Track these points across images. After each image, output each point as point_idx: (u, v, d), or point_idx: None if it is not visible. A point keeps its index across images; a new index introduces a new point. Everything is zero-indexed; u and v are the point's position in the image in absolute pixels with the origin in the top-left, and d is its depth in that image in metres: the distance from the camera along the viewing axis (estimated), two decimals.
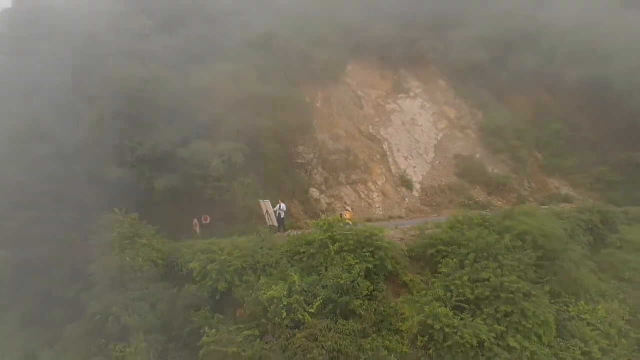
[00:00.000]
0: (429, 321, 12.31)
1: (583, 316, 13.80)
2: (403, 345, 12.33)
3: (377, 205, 22.09)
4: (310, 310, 12.66)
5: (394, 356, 12.01)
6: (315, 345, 11.74)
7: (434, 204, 22.83)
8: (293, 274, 13.47)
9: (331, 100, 25.51)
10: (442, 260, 14.22)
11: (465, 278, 13.29)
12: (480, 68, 27.40)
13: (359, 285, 13.01)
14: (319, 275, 13.59)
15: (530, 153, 26.03)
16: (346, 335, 12.12)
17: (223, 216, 18.64)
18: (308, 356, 11.58)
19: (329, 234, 14.17)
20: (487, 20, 28.91)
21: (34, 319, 15.18)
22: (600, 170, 24.51)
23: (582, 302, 14.16)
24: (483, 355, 12.17)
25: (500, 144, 25.67)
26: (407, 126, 26.06)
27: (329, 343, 11.77)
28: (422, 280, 14.19)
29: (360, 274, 13.21)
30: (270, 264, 14.43)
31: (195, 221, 18.32)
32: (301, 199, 21.22)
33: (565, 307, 13.97)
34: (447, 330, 12.12)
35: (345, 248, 13.77)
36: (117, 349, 13.20)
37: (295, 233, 16.70)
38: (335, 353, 11.70)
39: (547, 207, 20.88)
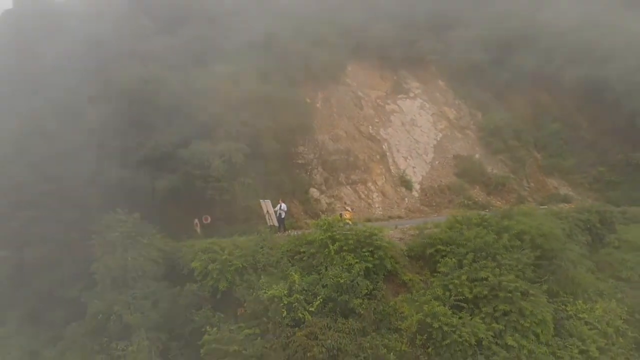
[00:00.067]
0: (428, 320, 12.43)
1: (581, 315, 13.91)
2: (402, 343, 12.44)
3: (376, 205, 22.21)
4: (310, 309, 12.78)
5: (393, 354, 12.11)
6: (315, 343, 11.85)
7: (434, 204, 22.95)
8: (293, 273, 13.59)
9: (331, 101, 25.63)
10: (440, 259, 14.34)
11: (464, 277, 13.40)
12: (480, 68, 27.51)
13: (358, 284, 13.12)
14: (319, 274, 13.71)
15: (529, 153, 26.14)
16: (346, 333, 12.22)
17: (223, 216, 18.76)
18: (308, 354, 11.69)
19: (329, 233, 14.29)
20: (487, 20, 29.02)
21: (36, 318, 15.29)
22: (599, 171, 24.64)
23: (579, 301, 14.27)
24: (481, 354, 12.30)
25: (499, 144, 25.78)
26: (407, 126, 26.17)
27: (329, 341, 11.87)
28: (421, 280, 14.31)
29: (360, 273, 13.33)
30: (271, 264, 14.55)
31: (196, 221, 18.44)
32: (301, 199, 21.34)
33: (563, 306, 14.08)
34: (445, 328, 12.23)
35: (344, 247, 13.89)
36: (119, 347, 13.32)
37: (296, 233, 16.83)
38: (335, 351, 11.80)
39: (545, 207, 21.00)
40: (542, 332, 12.89)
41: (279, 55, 24.36)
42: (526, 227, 14.66)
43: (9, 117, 20.72)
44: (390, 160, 24.32)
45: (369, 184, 22.89)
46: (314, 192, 21.86)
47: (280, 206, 17.77)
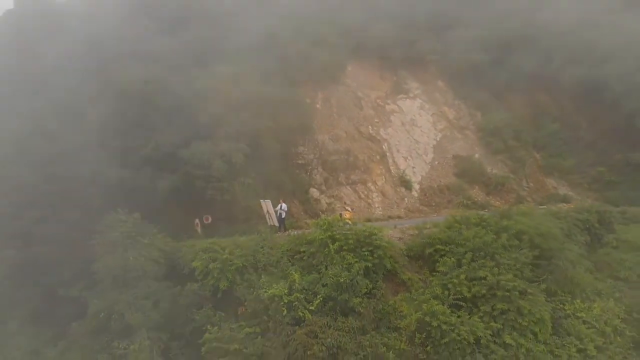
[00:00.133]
0: (427, 318, 12.53)
1: (579, 314, 14.00)
2: (401, 342, 12.54)
3: (376, 205, 22.31)
4: (310, 308, 12.89)
5: (392, 353, 12.21)
6: (315, 341, 11.96)
7: (433, 204, 23.05)
8: (293, 273, 13.70)
9: (331, 101, 25.73)
10: (439, 259, 14.44)
11: (463, 276, 13.51)
12: (479, 69, 27.57)
13: (358, 283, 13.22)
14: (319, 273, 13.82)
15: (529, 153, 26.22)
16: (345, 332, 12.33)
17: (224, 216, 18.86)
18: (308, 352, 11.81)
19: (329, 233, 14.39)
20: (487, 20, 29.10)
21: (39, 317, 15.36)
22: (598, 171, 24.71)
23: (577, 301, 14.35)
24: (479, 352, 12.39)
25: (498, 144, 25.86)
26: (407, 127, 26.26)
27: (329, 340, 11.98)
28: (420, 279, 14.41)
29: (360, 272, 13.42)
30: (271, 263, 14.65)
31: (197, 221, 18.54)
32: (301, 199, 21.44)
33: (561, 305, 14.16)
34: (444, 327, 12.34)
35: (344, 247, 13.99)
36: (120, 346, 13.39)
37: (296, 233, 16.92)
38: (334, 349, 11.91)
39: (545, 207, 21.08)
40: (540, 330, 12.99)
41: (279, 56, 24.46)
42: (525, 227, 14.76)
43: (10, 117, 20.79)
44: (390, 160, 24.41)
45: (369, 184, 22.99)
46: (314, 192, 21.96)
47: (281, 206, 17.87)
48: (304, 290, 13.25)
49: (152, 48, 23.86)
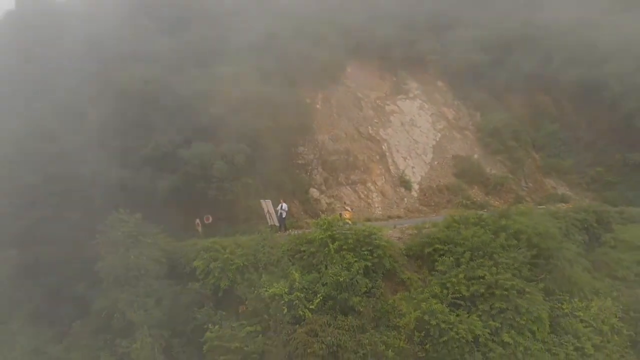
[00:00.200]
0: (426, 317, 12.68)
1: (576, 313, 14.14)
2: (400, 340, 12.66)
3: (376, 205, 22.42)
4: (310, 307, 13.02)
5: (391, 351, 12.34)
6: (316, 340, 12.09)
7: (432, 204, 23.16)
8: (294, 272, 13.82)
9: (331, 101, 25.83)
10: (438, 258, 14.57)
11: (461, 276, 13.64)
12: (479, 69, 27.68)
13: (357, 282, 13.34)
14: (319, 272, 13.94)
15: (528, 153, 26.33)
16: (345, 330, 12.45)
17: (224, 216, 18.96)
18: (308, 351, 11.93)
19: (329, 233, 14.52)
20: (486, 21, 29.21)
21: (42, 315, 15.45)
22: (597, 171, 24.81)
23: (575, 300, 14.48)
24: (478, 350, 12.54)
25: (497, 144, 25.95)
26: (406, 127, 26.36)
27: (329, 338, 12.11)
28: (419, 278, 14.54)
29: (359, 271, 13.54)
30: (272, 262, 14.76)
31: (197, 221, 18.62)
32: (301, 199, 21.55)
33: (559, 304, 14.29)
34: (443, 326, 12.48)
35: (344, 247, 14.11)
36: (122, 344, 13.53)
37: (296, 232, 17.03)
38: (334, 348, 12.04)
39: (543, 207, 21.17)
40: (538, 329, 13.13)
41: (279, 56, 24.55)
42: (523, 226, 14.89)
43: (11, 117, 20.89)
44: (389, 160, 24.51)
45: (369, 184, 23.10)
46: (314, 192, 22.07)
47: (282, 206, 17.99)
48: (304, 289, 13.37)
49: (152, 48, 23.94)
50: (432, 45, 28.76)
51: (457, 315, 12.88)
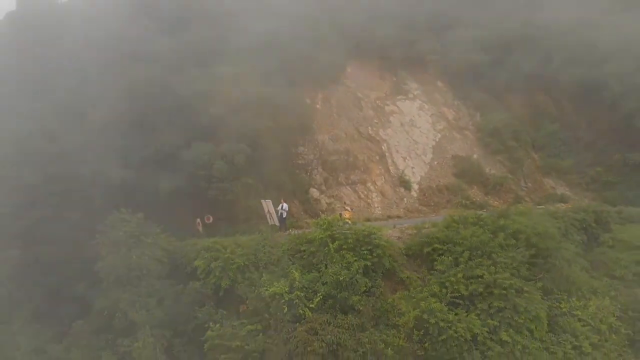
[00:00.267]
0: (425, 316, 12.76)
1: (574, 312, 14.21)
2: (399, 339, 12.75)
3: (375, 205, 22.50)
4: (310, 306, 13.10)
5: (391, 349, 12.43)
6: (316, 338, 12.18)
7: (432, 204, 23.24)
8: (294, 271, 13.90)
9: (331, 102, 25.90)
10: (437, 257, 14.65)
11: (460, 275, 13.73)
12: (479, 69, 27.78)
13: (357, 281, 13.43)
14: (319, 272, 14.03)
15: (527, 153, 26.41)
16: (345, 329, 12.54)
17: (225, 216, 19.05)
18: (308, 349, 12.02)
19: (329, 232, 14.61)
20: (486, 21, 29.26)
21: (44, 315, 15.52)
22: (596, 171, 24.91)
23: (573, 299, 14.56)
24: (476, 349, 12.62)
25: (497, 144, 26.05)
26: (406, 127, 26.44)
27: (329, 337, 12.20)
28: (418, 277, 14.62)
29: (359, 271, 13.63)
30: (272, 262, 14.85)
31: (198, 220, 18.71)
32: (301, 199, 21.63)
33: (557, 304, 14.37)
34: (442, 324, 12.56)
35: (344, 246, 14.20)
36: (124, 343, 13.62)
37: (296, 232, 17.12)
38: (334, 346, 12.12)
39: (543, 206, 21.26)
40: (536, 328, 13.21)
41: (279, 56, 24.60)
42: (521, 226, 14.97)
43: (11, 117, 20.93)
44: (389, 160, 24.59)
45: (369, 184, 23.18)
46: (314, 192, 22.15)
47: (282, 206, 18.08)
48: (304, 289, 13.45)
49: (153, 48, 23.97)
50: (432, 45, 28.83)
51: (456, 314, 12.97)
